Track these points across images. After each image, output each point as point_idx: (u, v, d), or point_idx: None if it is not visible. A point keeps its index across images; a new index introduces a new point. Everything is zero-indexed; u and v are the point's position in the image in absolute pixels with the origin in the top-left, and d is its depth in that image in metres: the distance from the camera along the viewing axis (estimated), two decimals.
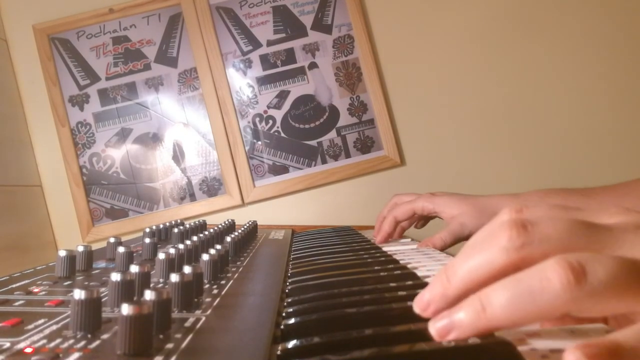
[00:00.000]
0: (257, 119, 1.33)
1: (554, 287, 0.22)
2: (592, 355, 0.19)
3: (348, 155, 1.32)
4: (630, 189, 0.64)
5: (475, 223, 0.69)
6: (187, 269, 0.35)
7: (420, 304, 0.27)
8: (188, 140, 1.33)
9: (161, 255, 0.43)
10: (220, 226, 0.72)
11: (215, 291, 0.39)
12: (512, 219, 0.25)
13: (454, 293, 0.26)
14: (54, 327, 0.29)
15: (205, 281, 0.42)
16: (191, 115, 1.33)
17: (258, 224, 0.91)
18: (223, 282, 0.43)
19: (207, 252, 0.43)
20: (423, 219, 0.84)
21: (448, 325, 0.24)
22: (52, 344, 0.26)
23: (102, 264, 0.53)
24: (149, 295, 0.27)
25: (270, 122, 1.33)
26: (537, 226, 0.25)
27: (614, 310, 0.23)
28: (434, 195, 0.76)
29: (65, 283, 0.43)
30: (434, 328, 0.25)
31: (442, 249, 0.69)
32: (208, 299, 0.36)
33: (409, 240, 0.80)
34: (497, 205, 0.70)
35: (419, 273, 0.44)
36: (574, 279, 0.21)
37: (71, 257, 0.46)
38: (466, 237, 0.70)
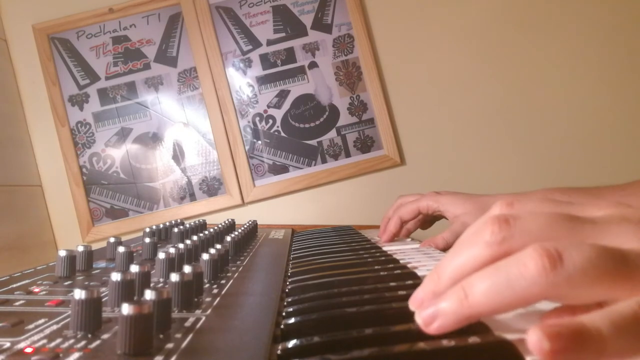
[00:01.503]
0: (257, 119, 1.33)
1: (530, 272, 0.22)
2: (554, 335, 0.19)
3: (348, 155, 1.32)
4: (638, 188, 0.64)
5: None
6: (187, 269, 0.35)
7: (414, 301, 0.28)
8: (188, 139, 1.33)
9: (161, 255, 0.43)
10: (220, 226, 0.72)
11: (215, 291, 0.39)
12: (496, 215, 0.26)
13: (444, 289, 0.27)
14: (54, 327, 0.29)
15: (205, 281, 0.42)
16: (191, 114, 1.33)
17: (258, 223, 0.91)
18: (223, 281, 0.43)
19: (207, 251, 0.43)
20: (429, 220, 0.83)
21: (433, 314, 0.25)
22: (53, 344, 0.26)
23: (102, 263, 0.53)
24: (149, 295, 0.27)
25: (270, 121, 1.33)
26: (518, 220, 0.26)
27: (593, 297, 0.23)
28: (439, 194, 0.76)
29: (66, 283, 0.43)
30: (420, 317, 0.26)
31: (445, 248, 0.69)
32: (208, 299, 0.36)
33: (409, 239, 0.80)
34: None
35: (419, 272, 0.44)
36: (549, 264, 0.22)
37: (71, 257, 0.46)
38: None
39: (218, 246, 0.47)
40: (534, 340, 0.19)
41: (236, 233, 0.61)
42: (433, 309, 0.25)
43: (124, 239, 0.65)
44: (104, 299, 0.30)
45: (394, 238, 0.77)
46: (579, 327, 0.19)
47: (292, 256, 0.64)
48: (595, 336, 0.19)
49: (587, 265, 0.22)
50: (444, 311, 0.25)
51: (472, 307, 0.24)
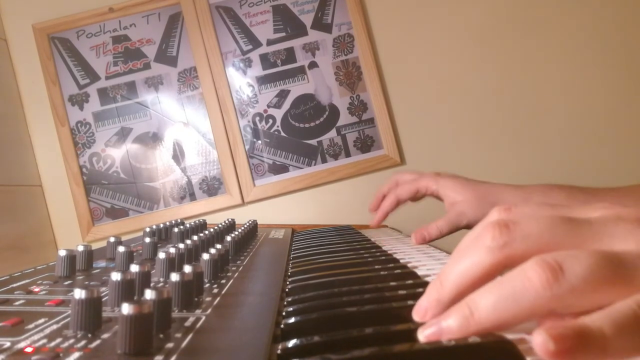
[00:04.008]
0: (257, 118, 1.33)
1: (534, 286, 0.22)
2: (558, 336, 0.19)
3: (348, 155, 1.32)
4: (633, 191, 0.64)
5: (474, 212, 0.68)
6: (187, 269, 0.35)
7: (418, 311, 0.28)
8: (188, 139, 1.33)
9: (161, 255, 0.43)
10: (220, 225, 0.72)
11: (215, 290, 0.39)
12: (495, 220, 0.26)
13: (448, 297, 0.27)
14: (55, 327, 0.29)
15: (206, 280, 0.42)
16: (191, 114, 1.33)
17: (258, 223, 0.91)
18: (223, 281, 0.43)
19: (207, 251, 0.43)
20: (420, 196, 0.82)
21: (437, 332, 0.25)
22: (53, 344, 0.26)
23: (102, 263, 0.53)
24: (149, 294, 0.27)
25: (270, 121, 1.33)
26: (519, 225, 0.26)
27: (594, 303, 0.23)
28: (439, 176, 0.74)
29: (66, 283, 0.43)
30: (423, 336, 0.25)
31: (438, 237, 0.68)
32: (208, 299, 0.36)
33: (410, 238, 0.80)
34: (499, 195, 0.70)
35: (419, 272, 0.44)
36: (552, 276, 0.22)
37: (71, 257, 0.46)
38: (464, 227, 0.69)
39: (218, 246, 0.46)
40: (539, 341, 0.19)
41: (236, 233, 0.60)
42: (436, 328, 0.25)
43: (124, 238, 0.65)
44: (104, 299, 0.30)
45: (386, 217, 0.76)
46: (583, 328, 0.20)
47: (292, 256, 0.63)
48: (598, 336, 0.20)
49: (587, 274, 0.22)
50: (449, 329, 0.25)
51: (478, 324, 0.24)
